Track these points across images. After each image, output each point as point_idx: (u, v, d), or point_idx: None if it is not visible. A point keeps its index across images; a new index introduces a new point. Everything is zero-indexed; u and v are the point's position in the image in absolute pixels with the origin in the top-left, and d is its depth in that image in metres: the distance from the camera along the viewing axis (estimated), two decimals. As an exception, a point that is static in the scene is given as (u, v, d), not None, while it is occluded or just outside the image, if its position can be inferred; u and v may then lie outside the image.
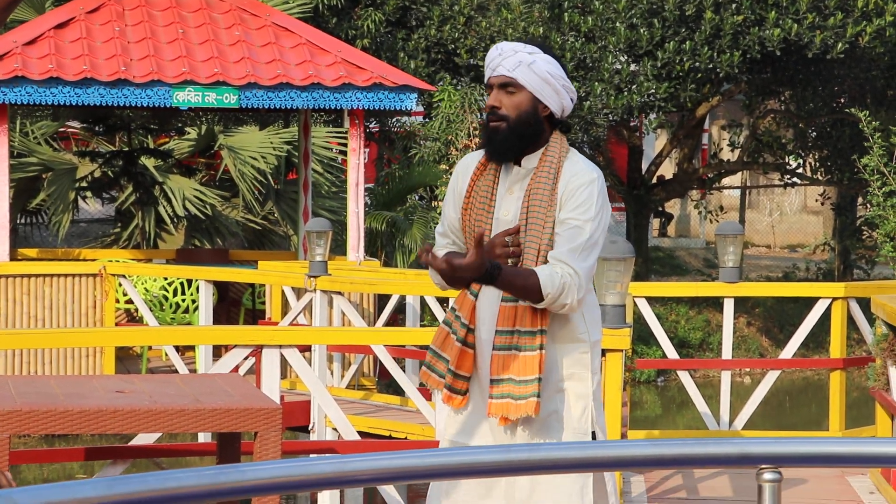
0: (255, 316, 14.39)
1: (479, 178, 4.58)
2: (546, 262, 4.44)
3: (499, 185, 4.55)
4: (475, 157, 4.63)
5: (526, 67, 4.47)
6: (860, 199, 23.55)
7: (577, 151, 4.59)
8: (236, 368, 7.72)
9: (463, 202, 4.59)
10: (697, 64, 18.02)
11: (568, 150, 4.54)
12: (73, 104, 12.39)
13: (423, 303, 12.31)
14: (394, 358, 9.95)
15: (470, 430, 4.60)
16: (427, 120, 19.49)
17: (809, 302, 10.55)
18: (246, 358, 7.77)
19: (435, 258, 4.33)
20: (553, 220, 4.44)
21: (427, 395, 9.58)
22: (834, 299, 10.11)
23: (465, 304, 4.55)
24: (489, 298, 4.51)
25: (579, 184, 4.45)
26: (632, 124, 22.71)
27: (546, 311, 4.44)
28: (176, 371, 11.89)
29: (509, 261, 4.45)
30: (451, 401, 4.56)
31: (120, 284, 13.14)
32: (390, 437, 10.10)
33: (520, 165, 4.53)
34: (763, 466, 2.70)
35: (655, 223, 30.43)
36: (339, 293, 11.08)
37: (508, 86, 4.49)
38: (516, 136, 4.49)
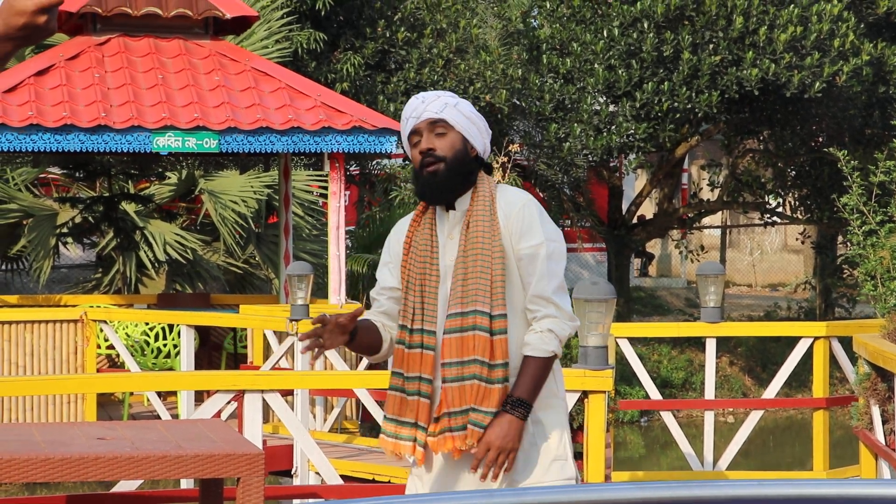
0: (237, 360, 14.36)
1: (416, 233, 4.60)
2: (500, 289, 4.42)
3: (437, 234, 4.57)
4: (405, 220, 4.68)
5: (453, 108, 4.55)
6: (840, 238, 23.65)
7: (504, 185, 4.64)
8: (218, 413, 7.70)
9: (402, 259, 4.60)
10: (676, 104, 18.10)
11: (496, 184, 4.61)
12: (54, 151, 12.39)
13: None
14: (376, 401, 9.93)
15: (444, 481, 4.55)
16: (407, 162, 19.52)
17: (792, 341, 10.57)
18: (228, 402, 7.75)
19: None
20: (500, 247, 4.45)
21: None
22: (816, 338, 10.12)
23: (414, 359, 4.51)
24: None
25: (517, 210, 4.49)
26: (611, 165, 22.77)
27: (506, 343, 4.42)
28: (158, 416, 11.84)
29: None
30: (422, 458, 4.52)
31: (101, 330, 13.10)
32: (373, 481, 10.07)
33: (454, 209, 4.56)
34: (748, 508, 2.70)
35: (636, 263, 30.48)
36: (321, 337, 11.05)
37: (438, 125, 4.52)
38: (455, 174, 4.51)
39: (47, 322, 12.86)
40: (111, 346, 13.70)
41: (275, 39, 17.14)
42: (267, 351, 12.31)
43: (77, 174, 17.95)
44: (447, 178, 4.51)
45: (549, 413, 4.51)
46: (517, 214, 4.48)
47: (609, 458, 7.62)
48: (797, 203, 22.47)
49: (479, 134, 4.59)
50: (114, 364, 14.34)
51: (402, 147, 4.87)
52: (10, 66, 14.06)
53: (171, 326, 13.64)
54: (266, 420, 11.36)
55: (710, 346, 10.27)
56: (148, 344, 13.76)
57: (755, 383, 22.09)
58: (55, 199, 17.16)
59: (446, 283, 4.50)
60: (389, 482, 9.89)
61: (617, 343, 10.08)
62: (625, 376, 17.19)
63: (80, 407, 12.64)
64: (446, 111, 4.53)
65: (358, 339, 4.52)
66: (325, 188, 16.02)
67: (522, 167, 20.52)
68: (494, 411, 4.39)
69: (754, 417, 10.30)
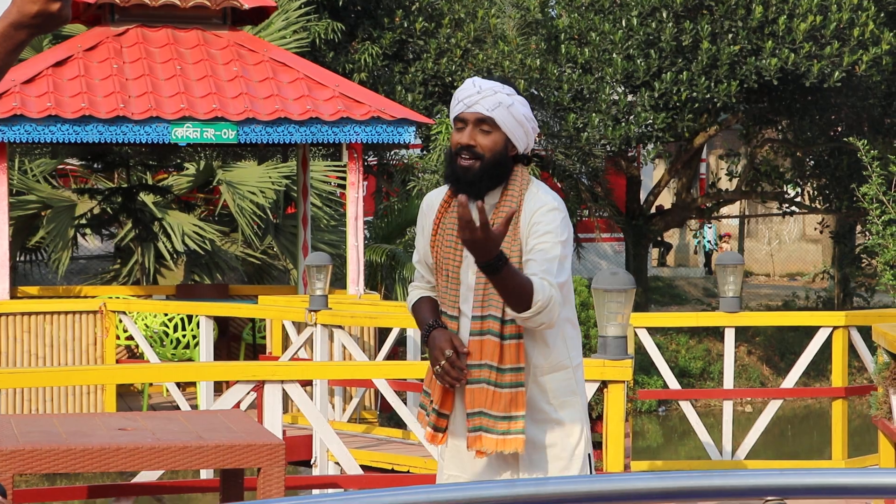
0: (256, 350, 14.39)
1: (445, 216, 4.58)
2: None
3: None
4: (439, 194, 4.64)
5: (505, 109, 4.45)
6: (859, 227, 23.59)
7: (538, 181, 4.58)
8: (238, 404, 7.72)
9: (430, 239, 4.60)
10: (695, 94, 18.07)
11: (529, 182, 4.54)
12: (72, 142, 12.41)
13: (424, 336, 12.28)
14: (395, 391, 9.94)
15: (466, 466, 4.59)
16: (425, 152, 19.52)
17: (810, 330, 10.56)
18: (248, 393, 7.77)
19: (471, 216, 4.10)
20: (518, 254, 4.42)
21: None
22: (835, 328, 10.10)
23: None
24: (462, 334, 4.50)
25: (543, 213, 4.44)
26: (630, 155, 22.74)
27: (521, 348, 4.41)
28: (177, 407, 11.87)
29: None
30: (433, 439, 4.56)
31: (120, 321, 13.14)
32: (392, 471, 10.09)
33: (482, 201, 4.49)
34: (769, 498, 2.70)
35: (654, 253, 30.44)
36: (340, 327, 11.08)
37: (484, 123, 4.45)
38: (488, 174, 4.46)
39: (67, 313, 12.90)
40: (130, 337, 13.74)
41: (292, 30, 17.15)
42: (286, 342, 12.33)
43: (95, 165, 17.99)
44: (480, 177, 4.46)
45: (569, 411, 4.52)
46: (543, 215, 4.43)
47: (628, 447, 7.62)
48: (816, 192, 22.42)
49: (524, 136, 4.52)
50: (133, 355, 14.38)
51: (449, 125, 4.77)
52: (28, 56, 14.10)
53: (189, 317, 13.68)
54: (285, 410, 11.39)
55: (729, 335, 10.26)
56: (167, 334, 13.80)
57: (773, 373, 22.06)
58: (73, 190, 17.20)
59: (468, 272, 4.50)
60: (409, 472, 9.91)
61: (635, 333, 10.08)
62: (643, 366, 17.18)
63: (100, 397, 12.69)
64: (497, 111, 4.45)
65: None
66: (344, 178, 16.03)
67: (540, 157, 20.51)
68: (502, 415, 4.40)
69: (773, 407, 10.29)
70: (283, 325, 12.35)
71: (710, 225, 31.47)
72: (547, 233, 4.41)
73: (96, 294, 14.39)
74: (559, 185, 21.37)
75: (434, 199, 4.65)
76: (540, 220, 4.43)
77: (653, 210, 23.23)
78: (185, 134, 12.47)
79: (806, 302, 25.28)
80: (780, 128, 21.84)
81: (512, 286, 4.25)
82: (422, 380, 10.50)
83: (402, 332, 12.18)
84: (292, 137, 12.65)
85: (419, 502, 2.63)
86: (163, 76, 12.84)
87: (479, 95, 4.46)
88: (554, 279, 4.34)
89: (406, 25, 19.30)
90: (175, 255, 16.44)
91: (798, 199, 23.34)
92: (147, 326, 13.71)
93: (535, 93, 19.26)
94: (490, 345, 4.42)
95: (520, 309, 4.29)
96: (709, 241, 31.30)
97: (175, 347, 13.79)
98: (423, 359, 12.76)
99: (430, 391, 4.56)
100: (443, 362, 4.38)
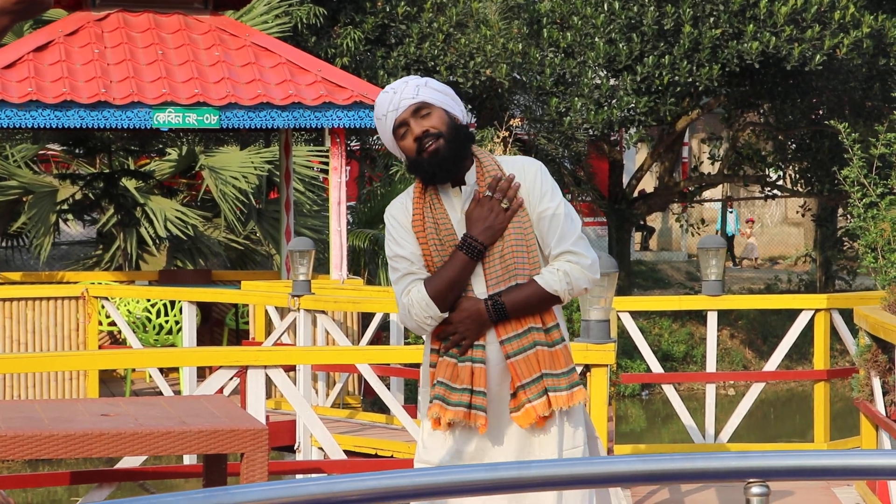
0: (239, 336, 14.38)
1: (427, 211, 4.53)
2: (536, 256, 4.46)
3: (449, 213, 4.52)
4: (406, 197, 4.59)
5: (424, 87, 4.52)
6: (840, 210, 23.65)
7: (503, 155, 4.66)
8: (221, 389, 7.72)
9: (419, 237, 4.52)
10: (677, 78, 18.08)
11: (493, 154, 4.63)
12: (53, 127, 12.38)
13: (407, 320, 12.29)
14: (378, 376, 9.95)
15: (484, 448, 4.47)
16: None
17: (792, 313, 10.58)
18: (231, 378, 7.77)
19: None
20: (527, 216, 4.47)
21: (412, 412, 9.57)
22: (817, 311, 10.14)
23: None
24: None
25: (532, 177, 4.51)
26: (612, 139, 22.75)
27: (550, 308, 4.45)
28: (160, 392, 11.86)
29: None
30: (480, 422, 4.42)
31: (103, 307, 13.11)
32: (376, 456, 10.10)
33: (463, 184, 4.52)
34: (751, 480, 2.71)
35: (637, 237, 30.47)
36: (323, 312, 11.08)
37: (421, 110, 4.50)
38: (456, 145, 4.49)
39: (49, 299, 12.88)
40: (113, 323, 13.71)
41: (274, 14, 17.11)
42: (269, 327, 12.33)
43: (77, 150, 17.93)
44: (450, 151, 4.48)
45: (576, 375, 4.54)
46: (533, 178, 4.50)
47: (611, 431, 7.64)
48: (797, 176, 22.46)
49: (454, 103, 4.59)
50: (116, 341, 14.36)
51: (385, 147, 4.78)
52: (9, 41, 14.04)
53: (172, 303, 13.66)
54: (268, 396, 11.39)
55: (712, 319, 10.28)
56: (150, 320, 13.78)
57: (756, 356, 22.12)
58: (55, 175, 17.15)
59: None
60: (392, 457, 9.92)
61: (618, 317, 10.09)
62: (626, 350, 17.22)
63: (83, 383, 12.67)
64: (421, 92, 4.50)
65: None
66: (326, 164, 16.02)
67: (523, 141, 20.51)
68: (566, 370, 4.43)
69: (755, 390, 10.31)
70: (266, 311, 12.35)
71: (731, 210, 31.47)
72: (543, 197, 4.50)
73: (78, 280, 14.36)
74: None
75: (403, 204, 4.58)
76: (532, 185, 4.51)
77: (635, 194, 23.24)
78: (166, 119, 12.44)
79: (788, 285, 25.34)
80: (761, 111, 21.87)
81: (527, 305, 4.41)
82: (406, 365, 10.53)
83: (386, 316, 12.18)
84: (275, 122, 12.62)
85: (403, 486, 2.63)
86: (144, 61, 12.81)
87: (398, 95, 4.52)
88: (571, 245, 4.47)
89: (388, 10, 19.27)
90: (157, 241, 16.41)
91: (780, 182, 23.38)
92: (130, 312, 13.69)
93: (518, 77, 19.25)
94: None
95: (554, 304, 4.46)
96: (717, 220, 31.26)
97: (158, 333, 13.77)
98: (405, 343, 12.77)
99: (455, 383, 4.44)
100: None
